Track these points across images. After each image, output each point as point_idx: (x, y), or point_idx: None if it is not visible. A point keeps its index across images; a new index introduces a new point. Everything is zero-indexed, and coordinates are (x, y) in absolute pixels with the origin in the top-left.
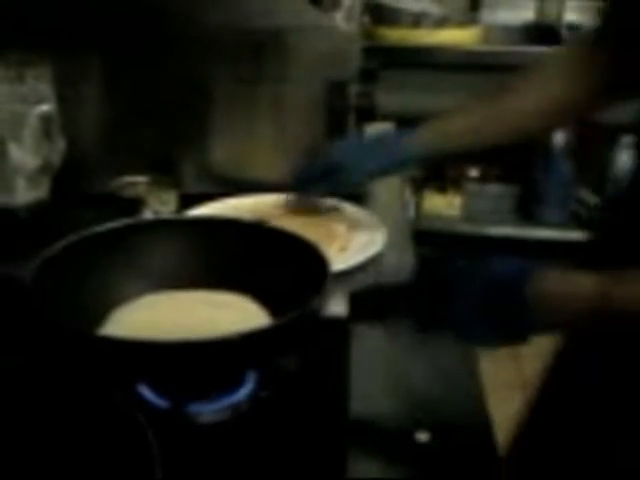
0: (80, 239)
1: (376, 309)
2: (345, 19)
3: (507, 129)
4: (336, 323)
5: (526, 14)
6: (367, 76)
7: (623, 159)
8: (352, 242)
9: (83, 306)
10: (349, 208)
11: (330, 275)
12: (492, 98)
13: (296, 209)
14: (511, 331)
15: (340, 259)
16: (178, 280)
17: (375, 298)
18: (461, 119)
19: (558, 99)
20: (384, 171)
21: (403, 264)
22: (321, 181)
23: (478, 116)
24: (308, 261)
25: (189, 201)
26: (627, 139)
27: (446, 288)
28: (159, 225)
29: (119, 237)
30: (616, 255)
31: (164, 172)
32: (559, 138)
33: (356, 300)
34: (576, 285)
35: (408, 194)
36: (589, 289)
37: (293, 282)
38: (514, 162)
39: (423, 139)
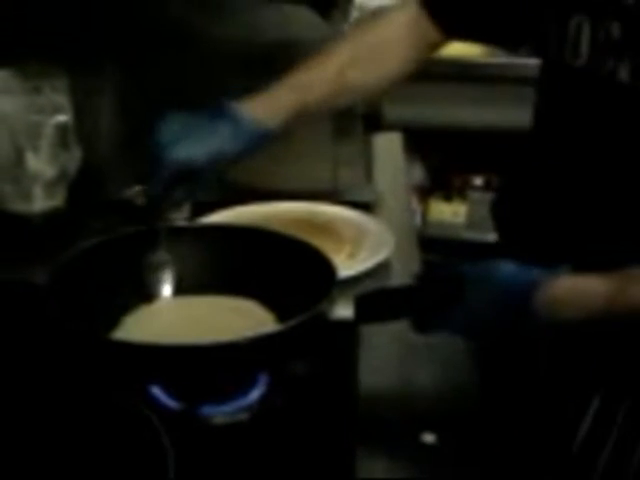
0: (95, 245)
1: (381, 310)
2: None
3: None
4: (344, 326)
5: None
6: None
7: None
8: (360, 249)
9: (97, 310)
10: (358, 216)
11: (336, 280)
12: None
13: (305, 217)
14: (519, 335)
15: (349, 265)
16: (189, 286)
17: (380, 300)
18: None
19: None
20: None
21: (410, 270)
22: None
23: (325, 87)
24: (316, 267)
25: (202, 209)
26: None
27: (452, 291)
28: (171, 232)
29: (133, 244)
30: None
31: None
32: None
33: (361, 302)
34: (586, 288)
35: (415, 203)
36: (600, 290)
37: (301, 288)
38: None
39: (268, 117)
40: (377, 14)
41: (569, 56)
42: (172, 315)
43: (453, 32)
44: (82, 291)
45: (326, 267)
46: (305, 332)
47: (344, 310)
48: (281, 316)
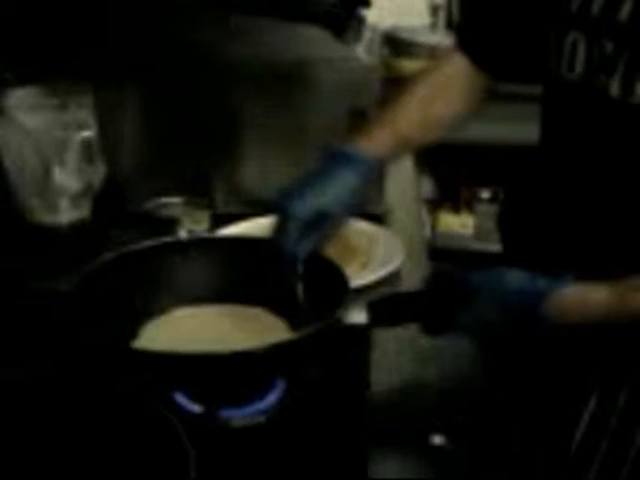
0: (118, 256)
1: (392, 315)
2: (366, 51)
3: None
4: (356, 332)
5: None
6: (386, 105)
7: None
8: (372, 259)
9: (120, 318)
10: (370, 227)
11: (349, 289)
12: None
13: None
14: (527, 339)
15: (361, 274)
16: (206, 295)
17: (392, 304)
18: (392, 128)
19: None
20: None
21: (419, 279)
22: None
23: (408, 122)
24: (329, 277)
25: (221, 221)
26: None
27: (460, 296)
28: (191, 243)
29: (155, 254)
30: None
31: (198, 194)
32: None
33: (374, 307)
34: (589, 297)
35: (424, 214)
36: (601, 299)
37: (315, 297)
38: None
39: (373, 149)
40: (444, 54)
41: (565, 71)
42: (190, 324)
43: (497, 75)
44: (106, 300)
45: (339, 277)
46: (320, 339)
47: (357, 317)
48: (295, 324)
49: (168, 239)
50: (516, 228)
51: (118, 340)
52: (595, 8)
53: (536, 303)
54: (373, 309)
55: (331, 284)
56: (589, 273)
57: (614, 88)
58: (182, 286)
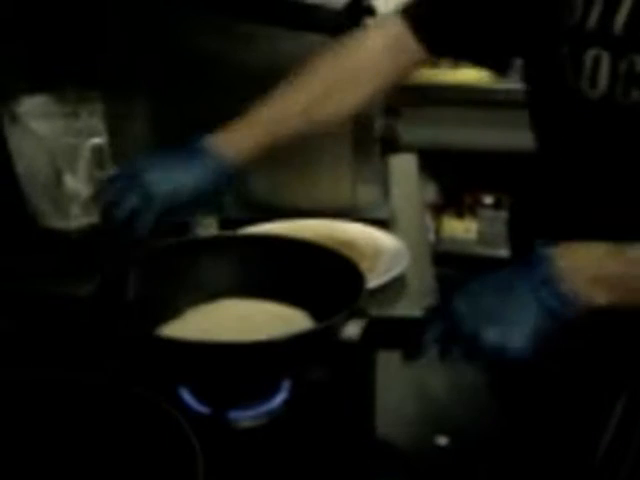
0: (145, 254)
1: (398, 337)
2: None
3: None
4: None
5: None
6: (390, 112)
7: None
8: (378, 263)
9: (143, 316)
10: (375, 232)
11: (366, 285)
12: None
13: (326, 233)
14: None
15: (367, 279)
16: (226, 291)
17: (398, 328)
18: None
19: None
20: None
21: (424, 282)
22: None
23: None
24: (345, 274)
25: (229, 225)
26: None
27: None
28: (209, 242)
29: (177, 253)
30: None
31: None
32: None
33: (376, 327)
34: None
35: (429, 220)
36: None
37: (332, 292)
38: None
39: (236, 149)
40: (355, 34)
41: (586, 87)
42: (212, 319)
43: (437, 51)
44: (129, 298)
45: (355, 273)
46: (325, 342)
47: (351, 330)
48: (317, 317)
49: (187, 238)
50: (525, 234)
51: (134, 329)
52: (617, 25)
53: (542, 270)
54: (376, 329)
55: (348, 279)
56: None
57: None
58: (204, 283)
